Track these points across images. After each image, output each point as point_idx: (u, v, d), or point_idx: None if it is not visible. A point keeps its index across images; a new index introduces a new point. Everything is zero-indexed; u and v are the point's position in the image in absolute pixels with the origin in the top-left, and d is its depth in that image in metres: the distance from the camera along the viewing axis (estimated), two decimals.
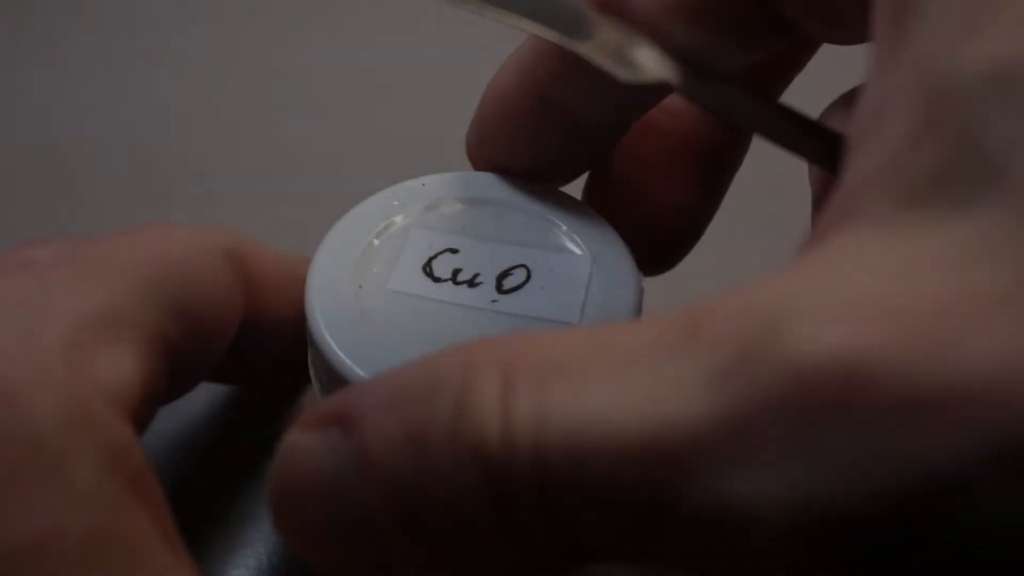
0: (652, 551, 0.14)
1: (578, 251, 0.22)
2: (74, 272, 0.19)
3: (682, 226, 0.25)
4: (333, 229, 0.22)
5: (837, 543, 0.13)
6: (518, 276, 0.22)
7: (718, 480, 0.13)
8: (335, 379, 0.20)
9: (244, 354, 0.23)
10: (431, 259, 0.22)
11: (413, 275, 0.22)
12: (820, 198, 0.22)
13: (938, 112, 0.14)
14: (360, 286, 0.21)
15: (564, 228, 0.23)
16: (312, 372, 0.22)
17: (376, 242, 0.22)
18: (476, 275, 0.22)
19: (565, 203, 0.23)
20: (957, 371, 0.12)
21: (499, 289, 0.21)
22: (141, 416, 0.19)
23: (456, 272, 0.22)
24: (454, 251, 0.22)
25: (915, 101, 0.14)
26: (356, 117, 0.41)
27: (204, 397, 0.27)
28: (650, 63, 0.20)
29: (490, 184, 0.23)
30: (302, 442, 0.15)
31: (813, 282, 0.14)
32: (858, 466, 0.12)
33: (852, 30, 0.19)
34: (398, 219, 0.23)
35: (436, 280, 0.22)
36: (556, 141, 0.23)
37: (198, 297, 0.21)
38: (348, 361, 0.20)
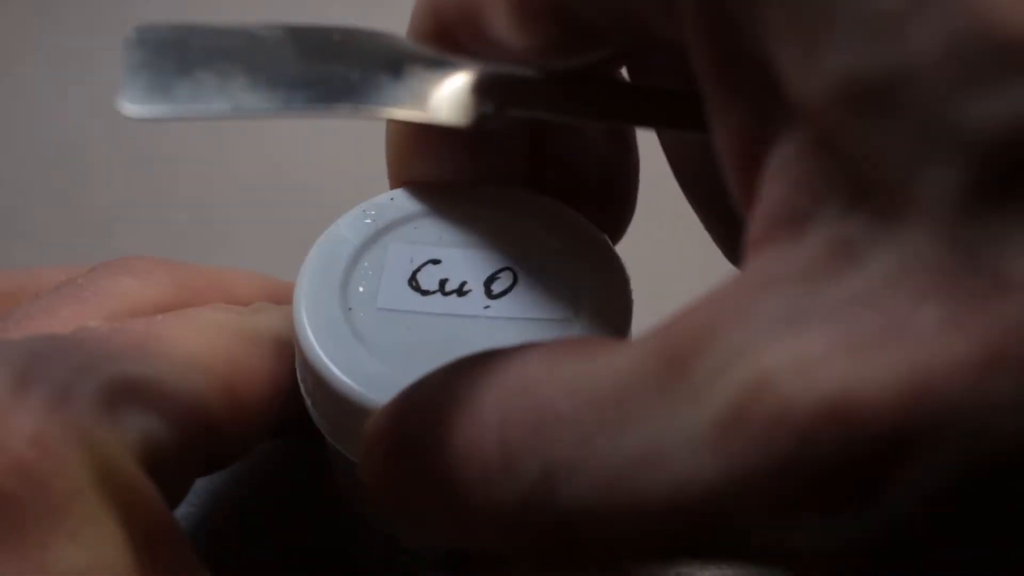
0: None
1: (559, 246, 0.22)
2: (120, 340, 0.20)
3: (612, 179, 0.25)
4: (312, 252, 0.22)
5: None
6: (505, 279, 0.21)
7: (734, 534, 0.14)
8: (343, 409, 0.20)
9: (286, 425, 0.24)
10: (415, 272, 0.22)
11: (401, 291, 0.21)
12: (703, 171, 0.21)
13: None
14: (350, 309, 0.21)
15: (538, 225, 0.22)
16: (309, 403, 0.22)
17: (356, 262, 0.22)
18: (463, 283, 0.21)
19: (535, 201, 0.23)
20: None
21: (489, 295, 0.21)
22: (173, 480, 0.20)
23: (443, 283, 0.22)
24: (436, 262, 0.22)
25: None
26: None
27: None
28: (445, 108, 0.19)
29: (458, 191, 0.23)
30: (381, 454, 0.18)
31: (782, 322, 0.14)
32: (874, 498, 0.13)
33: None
34: (373, 236, 0.22)
35: (424, 293, 0.21)
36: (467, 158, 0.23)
37: (244, 380, 0.21)
38: (357, 387, 0.20)
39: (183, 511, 0.20)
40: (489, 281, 0.22)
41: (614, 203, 0.24)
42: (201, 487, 0.27)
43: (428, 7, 0.21)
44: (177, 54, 0.19)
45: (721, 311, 0.14)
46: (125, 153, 0.39)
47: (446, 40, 0.20)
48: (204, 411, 0.20)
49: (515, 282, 0.21)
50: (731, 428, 0.13)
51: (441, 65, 0.20)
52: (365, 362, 0.20)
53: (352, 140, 0.39)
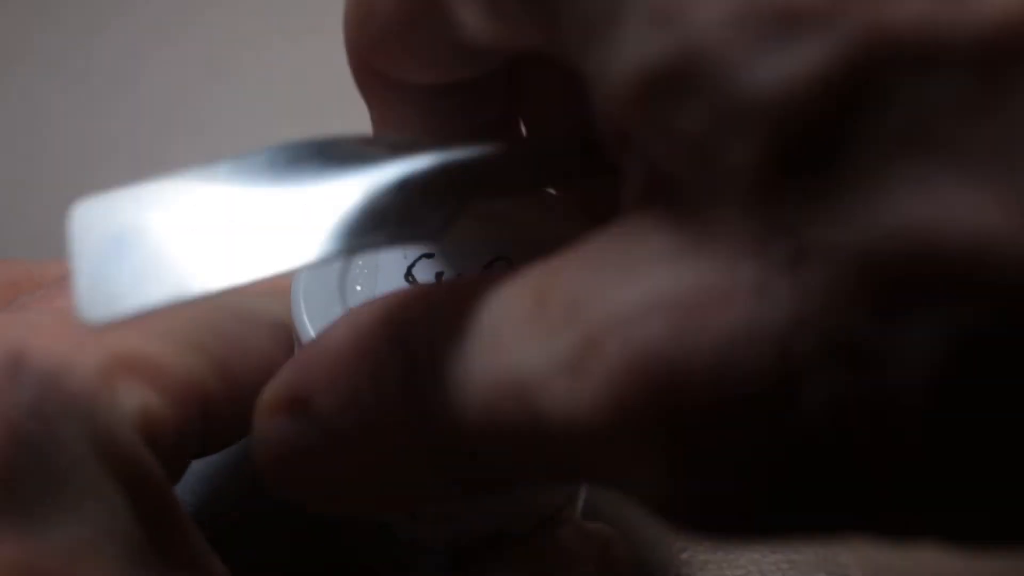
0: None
1: (551, 232, 0.21)
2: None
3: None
4: None
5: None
6: (500, 269, 0.21)
7: (599, 452, 0.15)
8: None
9: None
10: (410, 268, 0.22)
11: (398, 287, 0.21)
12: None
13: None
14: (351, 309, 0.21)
15: (529, 212, 0.22)
16: None
17: (350, 262, 0.22)
18: (460, 276, 0.22)
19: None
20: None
21: None
22: (169, 455, 0.20)
23: (439, 276, 0.22)
24: (429, 255, 0.22)
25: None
26: (358, 115, 0.41)
27: None
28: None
29: None
30: (274, 429, 0.17)
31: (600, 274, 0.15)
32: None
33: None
34: None
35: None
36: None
37: (240, 360, 0.22)
38: None
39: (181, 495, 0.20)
40: (486, 269, 0.22)
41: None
42: (197, 474, 0.27)
43: (349, 46, 0.21)
44: (126, 245, 0.16)
45: (585, 258, 0.15)
46: (125, 153, 0.39)
47: (367, 70, 0.21)
48: (199, 387, 0.20)
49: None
50: (574, 368, 0.14)
51: (386, 180, 0.18)
52: None
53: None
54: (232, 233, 0.17)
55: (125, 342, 0.20)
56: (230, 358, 0.21)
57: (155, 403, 0.19)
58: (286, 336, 0.23)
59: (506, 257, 0.22)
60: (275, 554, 0.27)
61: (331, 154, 0.18)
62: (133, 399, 0.19)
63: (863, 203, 0.12)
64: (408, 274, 0.22)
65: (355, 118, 0.41)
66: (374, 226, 0.17)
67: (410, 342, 0.16)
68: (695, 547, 0.28)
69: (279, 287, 0.24)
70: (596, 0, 0.14)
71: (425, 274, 0.22)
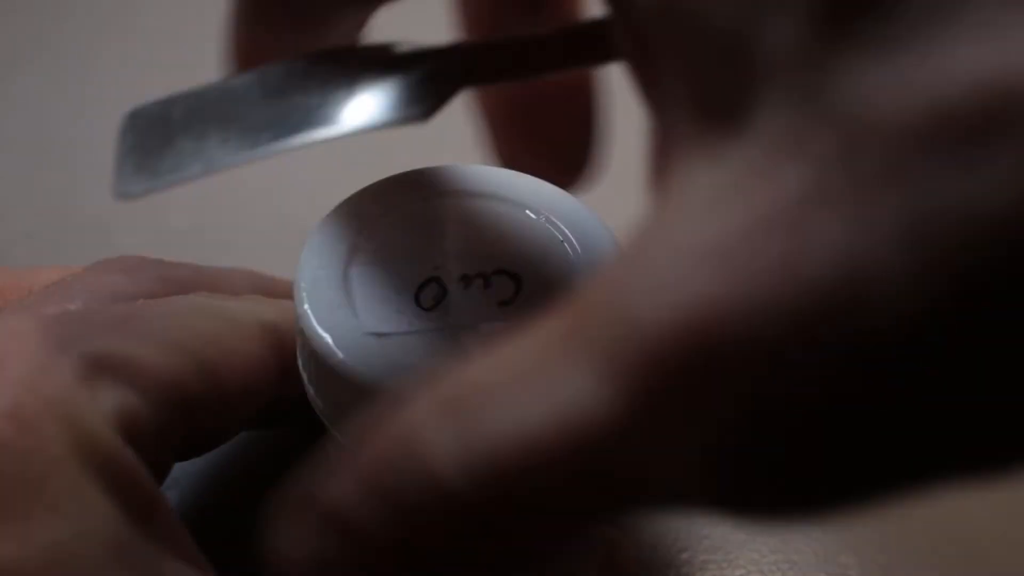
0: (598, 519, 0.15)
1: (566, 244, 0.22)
2: (98, 320, 0.21)
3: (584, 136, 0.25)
4: (347, 198, 0.22)
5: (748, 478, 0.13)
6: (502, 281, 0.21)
7: (633, 457, 0.14)
8: (350, 395, 0.20)
9: (284, 412, 0.24)
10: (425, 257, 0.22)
11: (402, 281, 0.21)
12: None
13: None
14: (357, 253, 0.21)
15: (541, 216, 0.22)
16: (312, 391, 0.22)
17: (352, 258, 0.21)
18: (464, 276, 0.21)
19: (543, 189, 0.23)
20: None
21: (486, 285, 0.21)
22: (151, 455, 0.20)
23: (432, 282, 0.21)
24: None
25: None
26: None
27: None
28: (401, 109, 0.20)
29: (504, 177, 0.23)
30: (296, 546, 0.16)
31: (636, 250, 0.14)
32: (743, 405, 0.13)
33: None
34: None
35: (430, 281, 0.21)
36: None
37: (225, 361, 0.21)
38: (333, 345, 0.20)
39: (174, 496, 0.20)
40: (492, 275, 0.21)
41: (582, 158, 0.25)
42: (183, 476, 0.27)
43: None
44: (160, 129, 0.20)
45: (615, 268, 0.14)
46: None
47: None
48: (180, 387, 0.20)
49: (518, 291, 0.21)
50: (610, 370, 0.13)
51: (389, 65, 0.20)
52: (372, 346, 0.20)
53: (356, 144, 0.39)
54: (252, 122, 0.20)
55: (104, 344, 0.20)
56: (214, 359, 0.21)
57: (134, 403, 0.19)
58: (273, 339, 0.22)
59: (511, 272, 0.21)
60: (263, 556, 0.27)
61: (326, 61, 0.21)
62: (112, 399, 0.19)
63: (924, 56, 0.11)
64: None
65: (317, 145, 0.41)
66: (371, 107, 0.20)
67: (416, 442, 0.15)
68: (695, 547, 0.28)
69: (273, 295, 0.24)
70: None
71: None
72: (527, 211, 0.22)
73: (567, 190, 0.23)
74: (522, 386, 0.14)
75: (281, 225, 0.36)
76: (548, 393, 0.14)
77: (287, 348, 0.23)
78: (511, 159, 0.25)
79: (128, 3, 0.45)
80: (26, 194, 0.38)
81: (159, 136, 0.20)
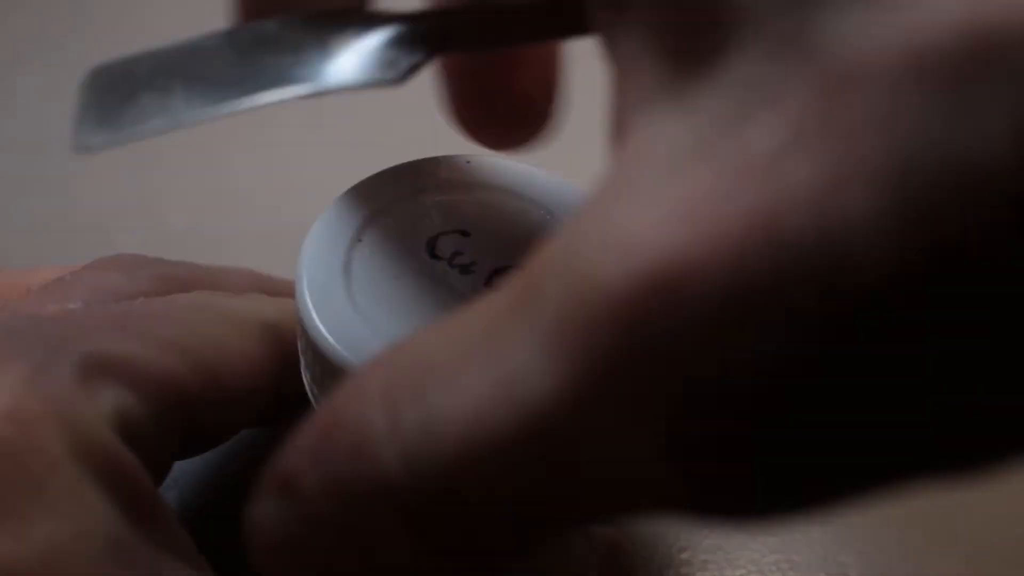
0: (563, 518, 0.14)
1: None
2: (97, 320, 0.21)
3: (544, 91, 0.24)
4: (349, 189, 0.22)
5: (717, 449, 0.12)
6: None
7: (594, 438, 0.12)
8: (311, 346, 0.20)
9: (283, 410, 0.24)
10: (439, 235, 0.22)
11: (416, 245, 0.21)
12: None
13: None
14: (360, 240, 0.21)
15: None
16: (315, 390, 0.21)
17: (353, 250, 0.21)
18: (472, 263, 0.21)
19: (554, 184, 0.22)
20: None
21: (486, 283, 0.21)
22: (150, 455, 0.20)
23: (455, 255, 0.21)
24: (465, 234, 0.22)
25: None
26: (357, 116, 0.41)
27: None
28: (374, 69, 0.20)
29: (530, 175, 0.23)
30: (259, 513, 0.16)
31: (592, 208, 0.13)
32: (708, 364, 0.11)
33: None
34: (426, 186, 0.22)
35: (435, 257, 0.21)
36: None
37: (224, 360, 0.21)
38: (330, 338, 0.20)
39: (167, 497, 0.20)
40: (496, 272, 0.21)
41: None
42: (182, 475, 0.27)
43: None
44: (123, 85, 0.20)
45: (568, 229, 0.13)
46: (125, 154, 0.39)
47: None
48: (178, 386, 0.20)
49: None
50: (559, 336, 0.12)
51: (364, 28, 0.20)
52: (370, 340, 0.20)
53: (353, 142, 0.40)
54: (221, 79, 0.20)
55: (103, 344, 0.20)
56: (212, 358, 0.21)
57: (132, 403, 0.19)
58: (273, 337, 0.22)
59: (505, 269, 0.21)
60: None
61: (299, 23, 0.20)
62: (110, 400, 0.19)
63: None
64: (433, 240, 0.22)
65: (356, 118, 0.41)
66: (344, 69, 0.19)
67: (390, 403, 0.14)
68: (695, 547, 0.28)
69: (273, 293, 0.24)
70: None
71: (446, 247, 0.21)
72: (538, 208, 0.22)
73: (521, 148, 0.23)
74: (465, 363, 0.13)
75: (279, 226, 0.36)
76: (494, 370, 0.13)
77: (287, 346, 0.23)
78: (466, 115, 0.24)
79: (129, 3, 0.45)
80: (26, 194, 0.38)
81: (122, 91, 0.20)
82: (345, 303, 0.20)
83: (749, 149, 0.11)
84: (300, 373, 0.22)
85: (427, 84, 0.41)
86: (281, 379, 0.23)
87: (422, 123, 0.40)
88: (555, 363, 0.12)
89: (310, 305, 0.20)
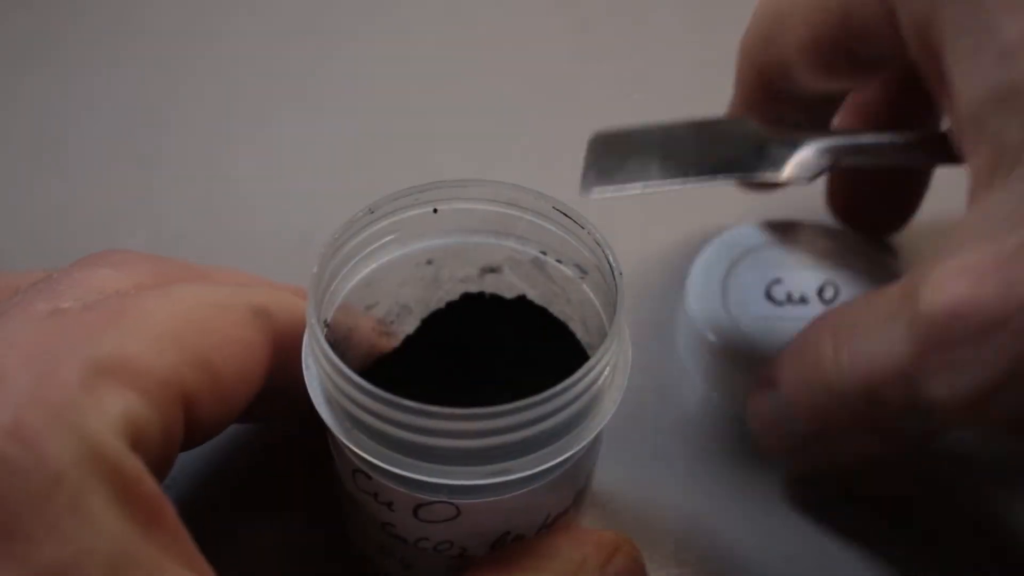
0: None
1: (865, 263, 0.32)
2: (94, 319, 0.20)
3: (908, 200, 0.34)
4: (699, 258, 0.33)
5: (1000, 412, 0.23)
6: (829, 290, 0.31)
7: (923, 389, 0.23)
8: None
9: (271, 403, 0.24)
10: (770, 285, 0.32)
11: (758, 301, 0.31)
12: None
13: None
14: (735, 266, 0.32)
15: (846, 249, 0.32)
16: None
17: (729, 272, 0.32)
18: (803, 295, 0.31)
19: (841, 235, 0.33)
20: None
21: (822, 300, 0.31)
22: (156, 456, 0.20)
23: (789, 295, 0.31)
24: (778, 281, 0.32)
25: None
26: (356, 118, 0.41)
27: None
28: (795, 170, 0.29)
29: (787, 228, 0.33)
30: (756, 402, 0.28)
31: (944, 248, 0.23)
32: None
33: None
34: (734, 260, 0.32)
35: (777, 303, 0.31)
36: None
37: (219, 350, 0.21)
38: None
39: (172, 495, 0.20)
40: (819, 291, 0.31)
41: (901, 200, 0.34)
42: (187, 474, 0.27)
43: (749, 68, 0.30)
44: (616, 150, 0.30)
45: (933, 258, 0.23)
46: (125, 154, 0.39)
47: (763, 88, 0.30)
48: (180, 384, 0.20)
49: (838, 292, 0.31)
50: (911, 332, 0.23)
51: (790, 144, 0.30)
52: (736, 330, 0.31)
53: (350, 149, 0.40)
54: (687, 158, 0.30)
55: (105, 345, 0.20)
56: (209, 348, 0.21)
57: (139, 407, 0.19)
58: (264, 323, 0.23)
59: (833, 283, 0.32)
60: (275, 548, 0.27)
61: (745, 126, 0.31)
62: (117, 405, 0.19)
63: None
64: (768, 291, 0.32)
65: (355, 119, 0.41)
66: (775, 164, 0.30)
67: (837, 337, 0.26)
68: (695, 546, 0.28)
69: (253, 278, 0.25)
70: (969, 37, 0.24)
71: (780, 293, 0.31)
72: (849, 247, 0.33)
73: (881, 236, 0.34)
74: (877, 324, 0.24)
75: (279, 230, 0.36)
76: (885, 336, 0.24)
77: (278, 332, 0.23)
78: (844, 211, 0.34)
79: (130, 3, 0.45)
80: (26, 194, 0.38)
81: (616, 156, 0.30)
82: (720, 307, 0.31)
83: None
84: (289, 356, 0.23)
85: (427, 86, 0.41)
86: (272, 363, 0.23)
87: (423, 123, 0.41)
88: (907, 347, 0.23)
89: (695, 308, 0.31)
